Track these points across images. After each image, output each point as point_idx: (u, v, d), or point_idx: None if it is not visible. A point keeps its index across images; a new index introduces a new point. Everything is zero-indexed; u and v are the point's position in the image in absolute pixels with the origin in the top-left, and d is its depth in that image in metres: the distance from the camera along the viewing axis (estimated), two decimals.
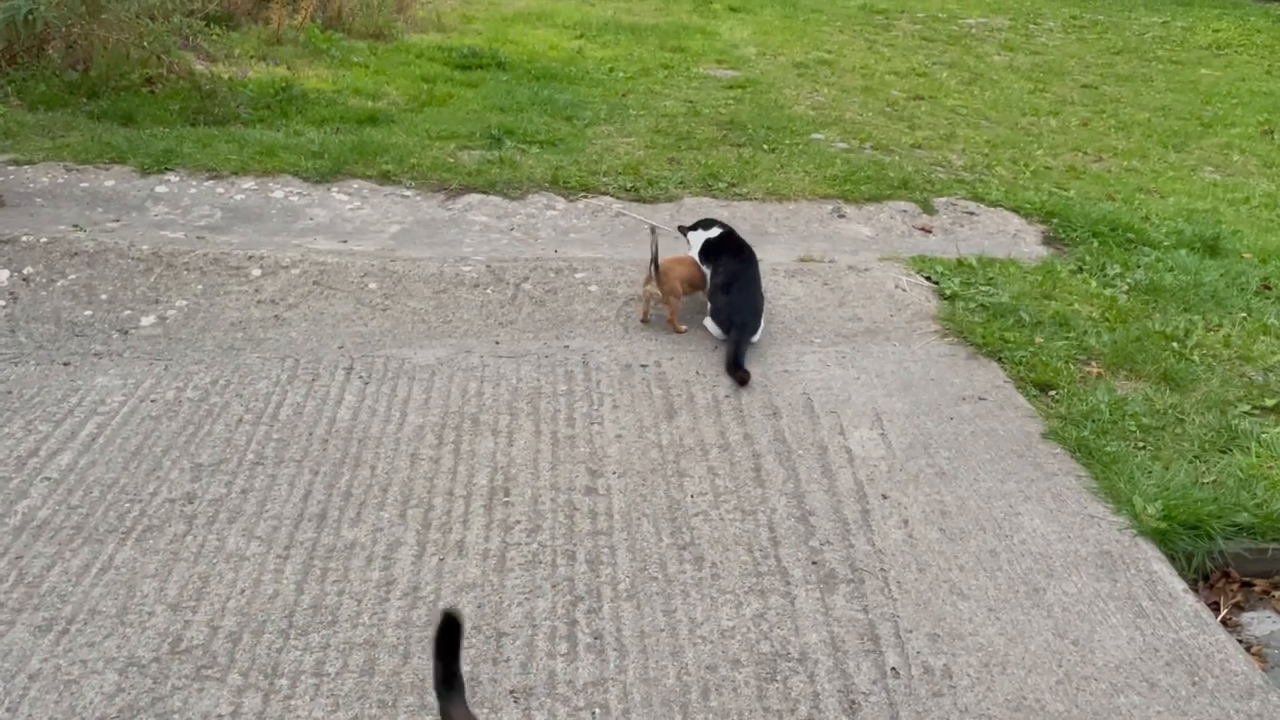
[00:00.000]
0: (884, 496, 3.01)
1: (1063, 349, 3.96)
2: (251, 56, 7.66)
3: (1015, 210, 5.84)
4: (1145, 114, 9.25)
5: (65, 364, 3.61)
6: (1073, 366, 3.82)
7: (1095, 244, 5.39)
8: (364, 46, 8.36)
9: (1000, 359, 3.87)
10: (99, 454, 3.09)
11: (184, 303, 4.02)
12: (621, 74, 8.49)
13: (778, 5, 12.60)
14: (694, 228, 4.22)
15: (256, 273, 4.20)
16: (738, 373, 3.65)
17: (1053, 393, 3.65)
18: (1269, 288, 4.99)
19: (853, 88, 8.73)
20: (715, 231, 4.13)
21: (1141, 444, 3.34)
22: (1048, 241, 5.56)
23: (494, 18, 10.40)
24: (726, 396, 3.56)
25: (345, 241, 4.80)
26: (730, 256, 4.01)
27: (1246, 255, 5.53)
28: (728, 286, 3.92)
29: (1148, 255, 5.18)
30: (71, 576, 2.59)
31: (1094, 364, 3.89)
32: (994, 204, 5.89)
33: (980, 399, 3.58)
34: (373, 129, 6.29)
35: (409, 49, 8.60)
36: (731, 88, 8.23)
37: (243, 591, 2.55)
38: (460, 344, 3.88)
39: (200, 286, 4.11)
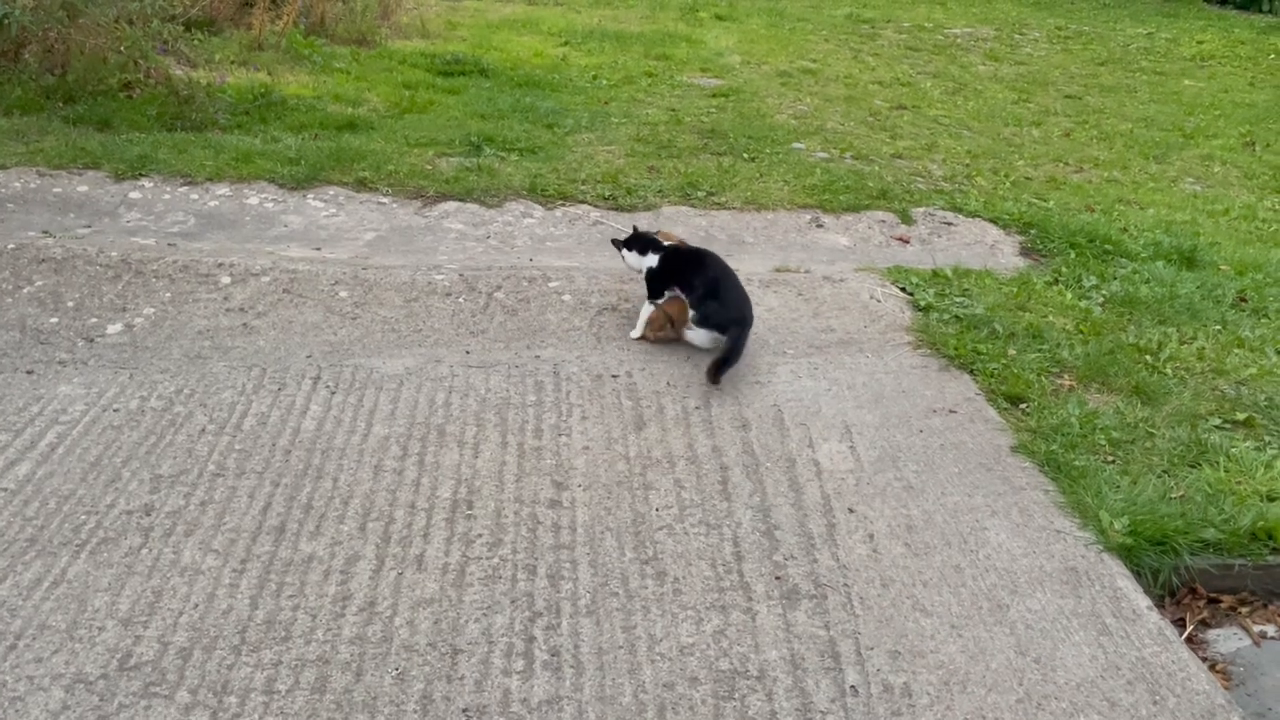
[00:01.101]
0: (850, 510, 2.99)
1: (1035, 361, 3.95)
2: (232, 62, 7.62)
3: (993, 221, 5.84)
4: (1128, 125, 9.27)
5: (29, 372, 3.57)
6: (1044, 379, 3.81)
7: (1072, 255, 5.39)
8: (346, 52, 8.33)
9: (972, 371, 3.85)
10: (58, 464, 3.05)
11: (152, 310, 3.99)
12: (605, 82, 8.48)
13: (764, 14, 12.61)
14: (629, 245, 4.04)
15: (226, 280, 4.17)
16: (724, 370, 3.63)
17: (1023, 406, 3.63)
18: (1245, 300, 4.99)
19: (836, 97, 8.73)
20: (656, 256, 3.96)
21: (1111, 458, 3.32)
22: (1025, 252, 5.56)
23: (479, 24, 10.38)
24: (697, 408, 3.53)
25: (319, 249, 4.77)
26: (694, 268, 3.90)
27: (1224, 267, 5.53)
28: (713, 291, 3.83)
29: (1124, 267, 5.18)
30: (22, 590, 2.55)
31: (1066, 376, 3.87)
32: (972, 214, 5.89)
33: (951, 411, 3.57)
34: (351, 135, 6.27)
35: (392, 55, 8.57)
36: (714, 96, 8.23)
37: (196, 606, 2.52)
38: (430, 353, 3.85)
39: (169, 294, 4.08)
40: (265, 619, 2.49)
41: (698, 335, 3.85)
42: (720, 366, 3.64)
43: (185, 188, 5.30)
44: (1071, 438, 3.38)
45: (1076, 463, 3.21)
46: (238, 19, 8.42)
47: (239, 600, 2.55)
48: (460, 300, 4.18)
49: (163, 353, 3.76)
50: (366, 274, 4.27)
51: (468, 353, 3.88)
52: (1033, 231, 5.72)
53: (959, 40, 12.60)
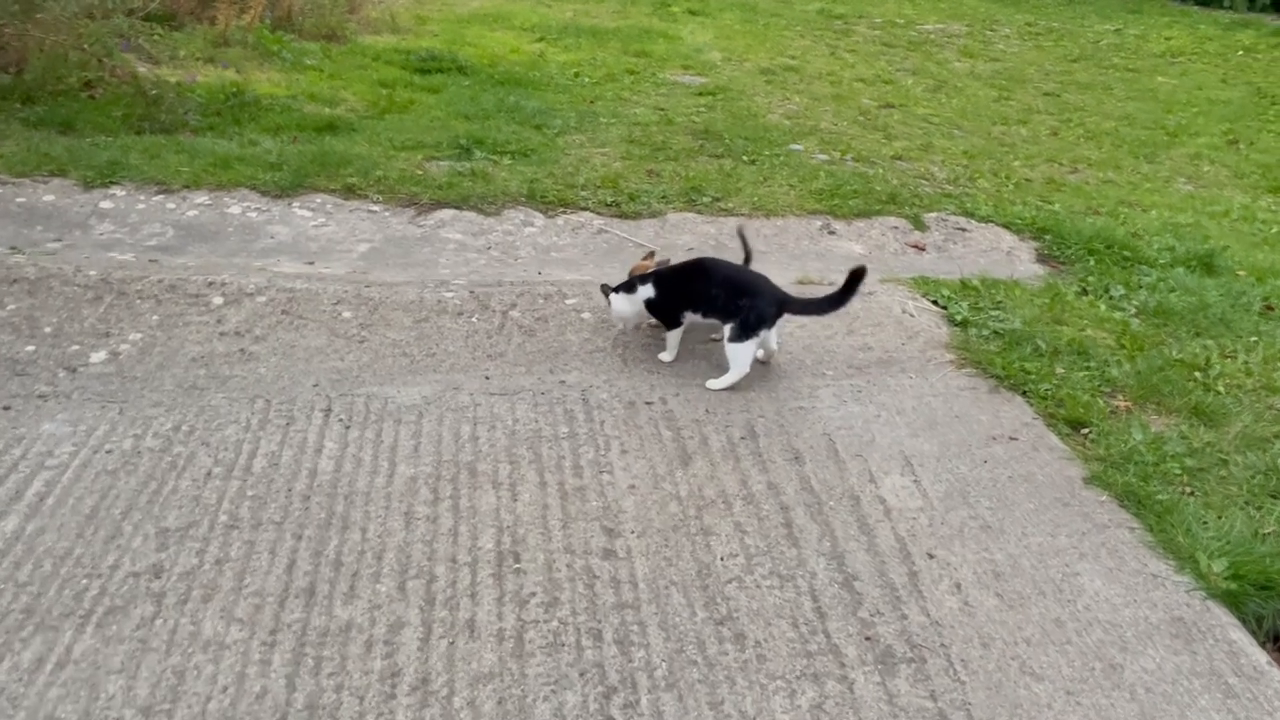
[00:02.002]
0: (930, 555, 2.76)
1: (1085, 380, 3.76)
2: (197, 59, 7.22)
3: (1006, 226, 5.66)
4: (1111, 123, 9.18)
5: (5, 408, 3.23)
6: (1100, 401, 3.62)
7: (1092, 262, 5.23)
8: (316, 48, 7.95)
9: (1024, 393, 3.65)
10: (49, 518, 2.72)
11: (138, 335, 3.65)
12: (587, 79, 8.20)
13: (736, 9, 12.38)
14: (622, 290, 3.77)
15: (218, 301, 3.84)
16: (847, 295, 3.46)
17: (1085, 431, 3.44)
18: (1271, 309, 4.85)
19: (823, 95, 8.52)
20: (648, 284, 3.69)
21: (1188, 488, 3.13)
22: (1042, 259, 5.38)
23: (449, 19, 10.03)
24: (743, 439, 3.29)
25: (311, 263, 4.45)
26: (698, 279, 3.64)
27: (1241, 273, 5.41)
28: (739, 290, 3.56)
29: (1148, 275, 5.03)
30: (23, 673, 2.24)
31: (1120, 397, 3.69)
32: (984, 219, 5.71)
33: (1011, 439, 3.36)
34: (333, 138, 5.93)
35: (364, 51, 8.21)
36: (701, 95, 7.98)
37: (225, 690, 2.22)
38: (447, 380, 3.57)
39: (156, 317, 3.74)
40: (306, 703, 2.20)
41: (739, 349, 3.55)
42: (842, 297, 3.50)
43: (160, 196, 4.94)
44: (1144, 467, 3.18)
45: (1158, 496, 3.01)
46: (200, 12, 7.99)
47: (273, 681, 2.26)
48: (474, 320, 3.90)
49: (154, 383, 3.43)
50: (370, 292, 3.97)
51: (487, 378, 3.59)
52: (1047, 237, 5.55)
53: (932, 36, 12.46)
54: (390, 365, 3.63)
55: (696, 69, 8.97)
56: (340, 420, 3.27)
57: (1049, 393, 3.63)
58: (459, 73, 7.89)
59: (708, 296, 3.60)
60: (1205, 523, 2.92)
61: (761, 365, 3.74)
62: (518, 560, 2.66)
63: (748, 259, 4.12)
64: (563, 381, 3.60)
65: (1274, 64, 12.68)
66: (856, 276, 3.46)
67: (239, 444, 3.12)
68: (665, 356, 3.75)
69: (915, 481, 3.09)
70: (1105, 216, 6.13)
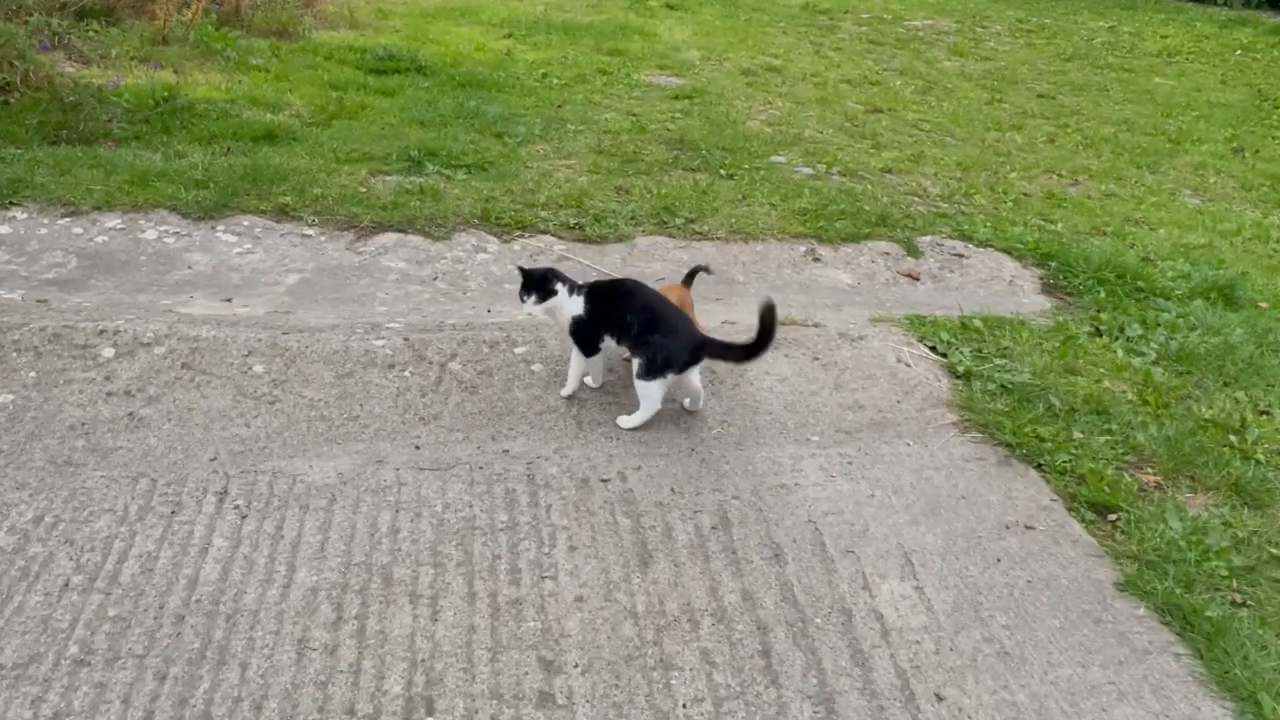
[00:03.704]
0: (938, 697, 2.27)
1: (1107, 448, 3.28)
2: (132, 58, 6.66)
3: (1007, 251, 5.18)
4: (1109, 128, 8.73)
5: None
6: (1126, 476, 3.14)
7: (1103, 294, 4.75)
8: (265, 46, 7.40)
9: (1039, 465, 3.17)
10: None
11: (9, 397, 3.12)
12: (556, 80, 7.67)
13: (717, 4, 11.85)
14: (541, 285, 3.27)
15: (109, 353, 3.31)
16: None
17: (1113, 517, 2.95)
18: None
19: (807, 99, 8.02)
20: (575, 291, 3.27)
21: (1239, 595, 2.66)
22: (1047, 290, 4.91)
23: (413, 13, 9.47)
24: (714, 529, 2.79)
25: (229, 299, 3.92)
26: (620, 301, 3.21)
27: (1263, 305, 4.95)
28: (652, 323, 3.13)
29: (1165, 309, 4.55)
30: None
31: (1149, 470, 3.21)
32: (983, 244, 5.23)
33: (1027, 528, 2.87)
34: (270, 149, 5.39)
35: (317, 49, 7.65)
36: (678, 98, 7.46)
37: None
38: (370, 450, 3.05)
39: (33, 374, 3.21)
40: None
41: (649, 387, 3.16)
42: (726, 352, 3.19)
43: (67, 219, 4.40)
44: (1185, 568, 2.71)
45: (1206, 612, 2.53)
46: (140, 7, 7.42)
47: None
48: (407, 374, 3.38)
49: (21, 459, 2.90)
50: (288, 340, 3.45)
51: (417, 448, 3.08)
52: (1052, 264, 5.07)
53: (921, 34, 11.98)
54: (304, 432, 3.11)
55: (673, 69, 8.45)
56: (236, 507, 2.75)
57: (1067, 465, 3.15)
58: (418, 73, 7.35)
59: (623, 323, 3.17)
60: (1264, 647, 2.44)
61: (690, 415, 3.27)
62: (430, 712, 2.15)
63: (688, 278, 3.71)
64: (506, 451, 3.10)
65: (1273, 64, 12.26)
66: (768, 315, 3.06)
67: (110, 541, 2.60)
68: (565, 391, 3.31)
69: (918, 588, 2.60)
70: (1111, 237, 5.66)
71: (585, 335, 3.25)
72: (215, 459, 2.96)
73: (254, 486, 2.84)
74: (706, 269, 3.80)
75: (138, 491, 2.79)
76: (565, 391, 3.36)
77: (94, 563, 2.52)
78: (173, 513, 2.72)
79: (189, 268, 4.20)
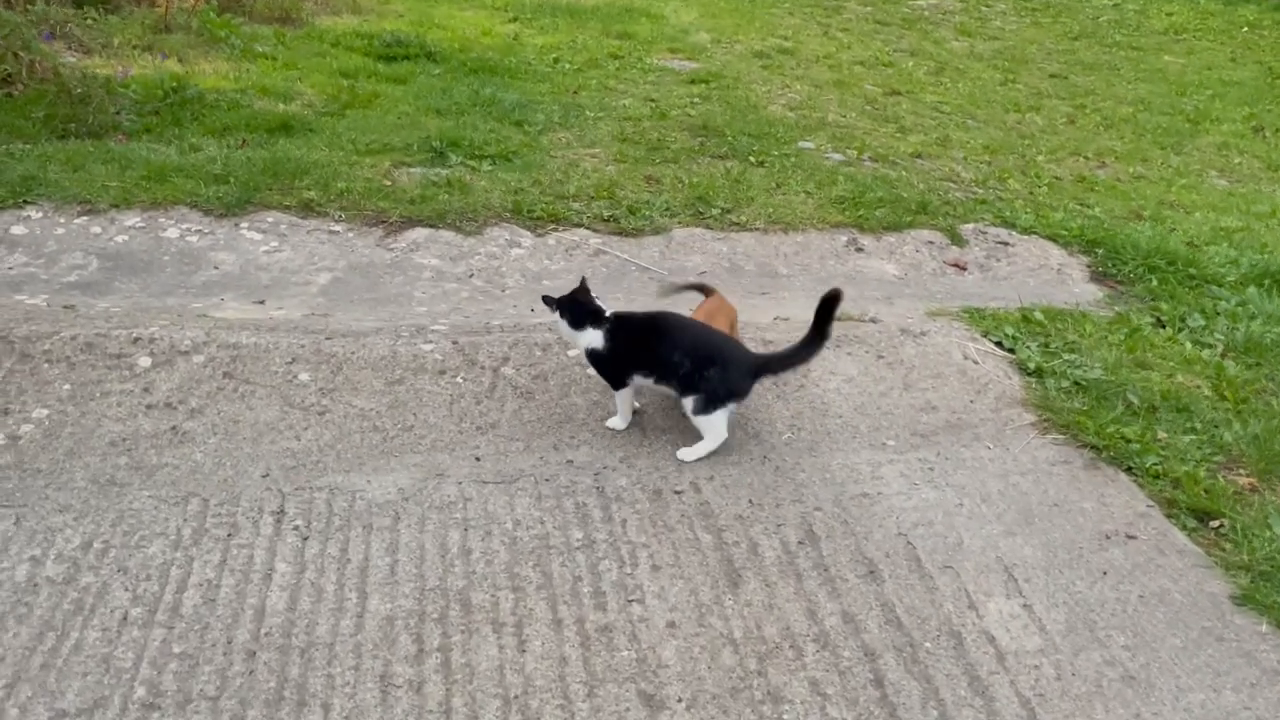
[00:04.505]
0: None
1: (1194, 448, 3.15)
2: (135, 47, 6.44)
3: (1052, 239, 5.04)
4: (1126, 108, 8.61)
5: None
6: (1221, 478, 3.00)
7: (1154, 282, 4.63)
8: (269, 33, 7.18)
9: (1129, 469, 3.04)
10: None
11: (44, 412, 2.95)
12: (568, 65, 7.47)
13: None
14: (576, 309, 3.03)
15: (145, 362, 3.14)
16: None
17: (1215, 524, 2.82)
18: None
19: (824, 82, 7.85)
20: (599, 331, 3.00)
21: None
22: (1096, 278, 4.77)
23: None
24: (800, 544, 2.65)
25: (262, 301, 3.75)
26: (658, 337, 2.98)
27: None
28: (706, 359, 2.92)
29: (1223, 299, 4.42)
30: None
31: (1241, 470, 3.08)
32: (1026, 231, 5.09)
33: (1129, 537, 2.74)
34: (287, 140, 5.20)
35: (322, 36, 7.44)
36: (694, 82, 7.28)
37: None
38: (428, 463, 2.89)
39: (68, 386, 3.03)
40: None
41: (711, 420, 2.96)
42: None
43: (84, 218, 4.21)
44: None
45: None
46: None
47: None
48: (459, 380, 3.22)
49: (62, 478, 2.73)
50: (332, 346, 3.28)
51: (478, 459, 2.93)
52: (1099, 251, 4.94)
53: (926, 13, 11.81)
54: (358, 444, 2.95)
55: (686, 53, 8.26)
56: (296, 528, 2.59)
57: (1158, 469, 3.01)
58: (428, 60, 7.14)
59: (669, 362, 2.94)
60: None
61: (756, 418, 3.13)
62: None
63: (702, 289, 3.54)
64: (570, 461, 2.94)
65: None
66: (829, 304, 2.87)
67: (166, 569, 2.43)
68: (616, 423, 3.10)
69: (1026, 606, 2.46)
70: (1150, 221, 5.54)
71: (607, 369, 3.05)
72: (267, 475, 2.79)
73: (312, 505, 2.68)
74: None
75: (189, 512, 2.63)
76: (616, 424, 3.12)
77: (152, 593, 2.36)
78: (229, 535, 2.55)
79: (215, 268, 4.02)
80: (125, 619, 2.28)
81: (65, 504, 2.63)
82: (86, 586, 2.37)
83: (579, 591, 2.44)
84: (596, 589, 2.45)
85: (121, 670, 2.15)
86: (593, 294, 3.02)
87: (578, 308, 2.99)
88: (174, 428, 2.94)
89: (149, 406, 3.00)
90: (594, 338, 2.99)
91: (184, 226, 4.23)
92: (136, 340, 3.19)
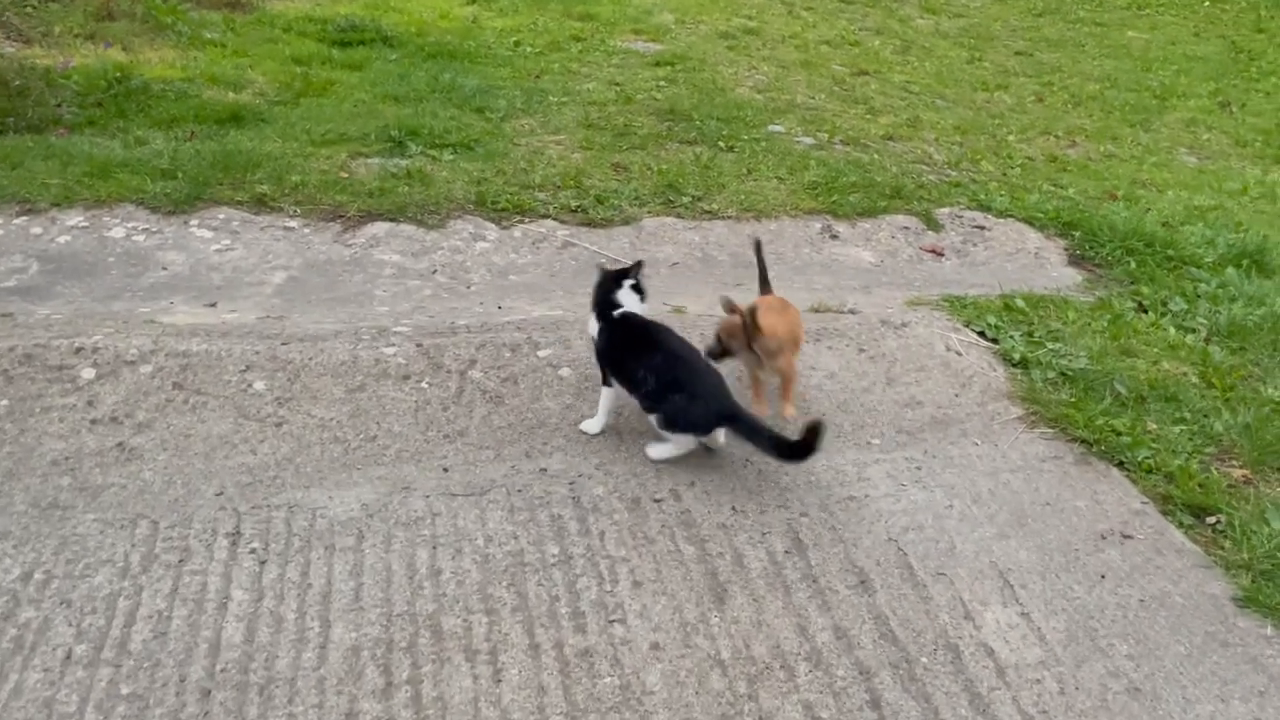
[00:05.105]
0: None
1: (1185, 439, 3.06)
2: (77, 35, 6.18)
3: (1028, 222, 4.95)
4: (1093, 85, 8.56)
5: None
6: (1214, 471, 2.92)
7: (1133, 264, 4.55)
8: (218, 19, 6.93)
9: (1121, 463, 2.95)
10: None
11: None
12: (529, 49, 7.28)
13: None
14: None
15: (89, 374, 2.95)
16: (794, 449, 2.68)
17: (1212, 520, 2.73)
18: None
19: (790, 62, 7.72)
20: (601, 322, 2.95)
21: None
22: (1074, 261, 4.69)
23: None
24: (787, 553, 2.53)
25: (214, 304, 3.57)
26: (640, 349, 2.87)
27: None
28: (674, 383, 2.78)
29: (1202, 281, 4.35)
30: None
31: (1234, 462, 3.00)
32: (1002, 214, 4.99)
33: (1125, 536, 2.64)
34: (238, 132, 4.99)
35: (273, 20, 7.19)
36: (659, 65, 7.11)
37: None
38: (393, 475, 2.74)
39: (5, 401, 2.85)
40: None
41: (668, 447, 2.87)
42: (777, 449, 2.72)
43: (23, 218, 4.00)
44: None
45: None
46: None
47: None
48: (424, 385, 3.07)
49: (1, 502, 2.55)
50: (288, 351, 3.11)
51: (446, 470, 2.78)
52: (1076, 234, 4.85)
53: None
54: (318, 457, 2.79)
55: (650, 34, 8.09)
56: (252, 551, 2.43)
57: (1151, 462, 2.92)
58: (384, 44, 6.93)
59: (636, 377, 2.83)
60: None
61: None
62: None
63: (763, 281, 3.30)
64: (544, 470, 2.80)
65: (1242, 15, 12.17)
66: (813, 434, 2.66)
67: (113, 600, 2.27)
68: (589, 426, 2.97)
69: (1024, 615, 2.36)
70: (1124, 202, 5.46)
71: (599, 362, 2.96)
72: (222, 493, 2.63)
73: (269, 525, 2.52)
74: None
75: (138, 537, 2.46)
76: (589, 428, 2.97)
77: (98, 628, 2.20)
78: (181, 561, 2.39)
79: (164, 269, 3.83)
80: (69, 657, 2.12)
81: (3, 530, 2.46)
82: (26, 622, 2.20)
83: (557, 613, 2.30)
84: (575, 609, 2.32)
85: (65, 716, 1.99)
86: (632, 280, 2.94)
87: (600, 291, 2.94)
88: (120, 444, 2.76)
89: (93, 422, 2.82)
90: (594, 328, 2.95)
91: (130, 225, 4.03)
92: (79, 350, 3.01)
